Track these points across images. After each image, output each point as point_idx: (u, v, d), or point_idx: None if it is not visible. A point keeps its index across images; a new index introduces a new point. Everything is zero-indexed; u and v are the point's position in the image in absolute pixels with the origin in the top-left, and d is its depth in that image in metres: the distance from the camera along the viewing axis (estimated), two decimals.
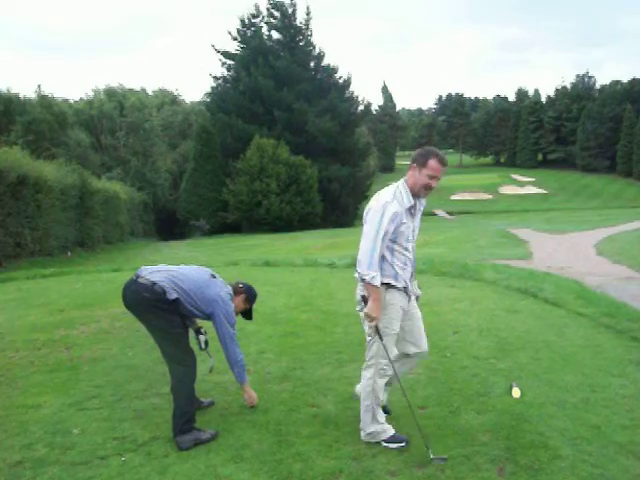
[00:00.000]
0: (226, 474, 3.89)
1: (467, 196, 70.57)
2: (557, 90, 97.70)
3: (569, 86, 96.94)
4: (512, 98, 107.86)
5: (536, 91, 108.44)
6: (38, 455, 4.35)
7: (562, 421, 4.46)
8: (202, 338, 4.98)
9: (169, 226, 52.41)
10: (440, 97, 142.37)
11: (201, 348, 4.96)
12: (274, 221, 44.45)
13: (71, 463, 4.19)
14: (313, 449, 4.14)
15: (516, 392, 4.96)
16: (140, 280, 4.54)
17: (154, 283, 4.48)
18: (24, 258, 23.66)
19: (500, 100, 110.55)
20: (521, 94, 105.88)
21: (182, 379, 4.54)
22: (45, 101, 51.17)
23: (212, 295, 4.66)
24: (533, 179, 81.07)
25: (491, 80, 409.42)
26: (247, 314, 5.14)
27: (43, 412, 5.06)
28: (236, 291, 5.00)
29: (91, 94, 63.41)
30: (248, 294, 5.06)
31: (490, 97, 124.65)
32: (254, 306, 5.18)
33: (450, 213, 58.53)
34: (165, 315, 4.49)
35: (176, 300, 4.50)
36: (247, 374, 4.93)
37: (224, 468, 3.97)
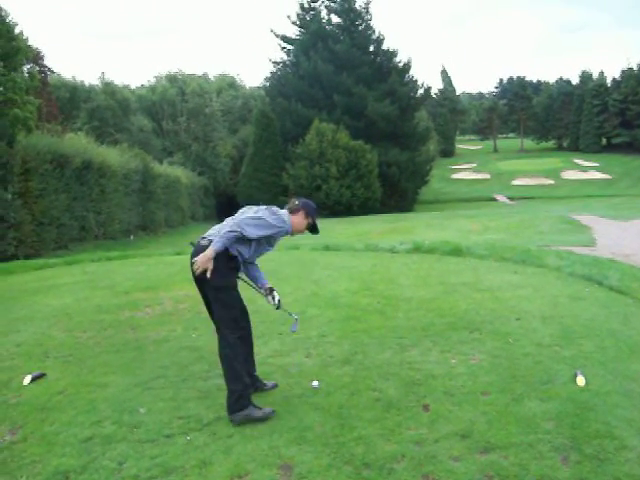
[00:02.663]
0: (289, 455, 3.93)
1: (528, 181, 69.26)
2: (623, 72, 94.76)
3: (635, 67, 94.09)
4: (576, 81, 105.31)
5: (601, 73, 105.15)
6: (106, 432, 4.47)
7: (629, 411, 4.37)
8: (276, 296, 5.06)
9: (229, 210, 52.17)
10: (501, 80, 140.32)
11: (278, 307, 5.07)
12: (334, 206, 44.45)
13: (138, 441, 4.30)
14: (375, 433, 4.16)
15: (581, 380, 4.87)
16: (202, 242, 4.64)
17: (211, 241, 4.55)
18: (89, 241, 24.24)
19: (563, 83, 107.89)
20: (585, 77, 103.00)
21: (225, 352, 4.64)
22: (109, 88, 51.99)
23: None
24: (597, 164, 79.08)
25: (554, 62, 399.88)
26: (313, 229, 5.06)
27: (110, 391, 5.20)
28: (292, 210, 4.91)
29: (153, 80, 64.16)
30: (306, 209, 4.95)
31: (553, 80, 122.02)
32: (318, 222, 5.12)
33: (511, 198, 57.61)
34: (224, 272, 4.57)
35: (235, 258, 4.64)
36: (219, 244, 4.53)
37: (287, 449, 4.01)
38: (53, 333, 7.45)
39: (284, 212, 4.83)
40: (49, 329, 7.69)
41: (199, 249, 4.59)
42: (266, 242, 4.81)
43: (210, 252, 4.45)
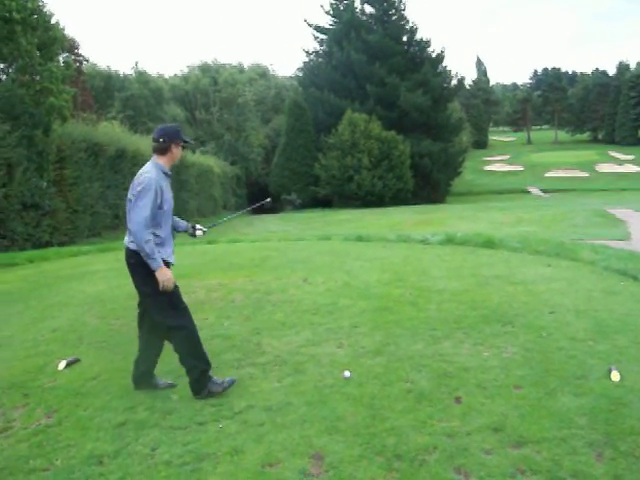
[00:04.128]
0: (320, 445, 3.94)
1: (562, 173, 68.38)
2: None
3: None
4: (613, 72, 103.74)
5: (638, 64, 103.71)
6: (139, 418, 4.54)
7: None
8: (201, 227, 5.31)
9: (261, 200, 52.98)
10: (535, 71, 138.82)
11: (204, 232, 5.29)
12: (365, 196, 44.36)
13: (170, 427, 4.35)
14: (407, 424, 4.15)
15: (615, 375, 4.81)
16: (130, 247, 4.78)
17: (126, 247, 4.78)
18: (122, 229, 24.38)
19: (599, 74, 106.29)
20: (622, 68, 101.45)
21: (179, 335, 4.87)
22: (142, 77, 52.41)
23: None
24: (632, 157, 77.73)
25: (590, 53, 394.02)
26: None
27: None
28: (159, 150, 4.85)
29: (186, 70, 64.45)
30: (172, 138, 4.86)
31: (589, 71, 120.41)
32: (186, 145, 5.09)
33: (544, 191, 56.97)
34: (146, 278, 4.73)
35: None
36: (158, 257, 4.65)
37: (318, 439, 4.02)
38: (87, 319, 7.55)
39: (146, 168, 4.79)
40: (83, 315, 7.80)
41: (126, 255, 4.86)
42: (161, 207, 4.74)
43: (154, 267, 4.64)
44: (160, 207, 4.69)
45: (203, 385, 4.82)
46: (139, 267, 4.70)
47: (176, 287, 4.80)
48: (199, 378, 4.83)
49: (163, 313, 4.80)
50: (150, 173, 4.66)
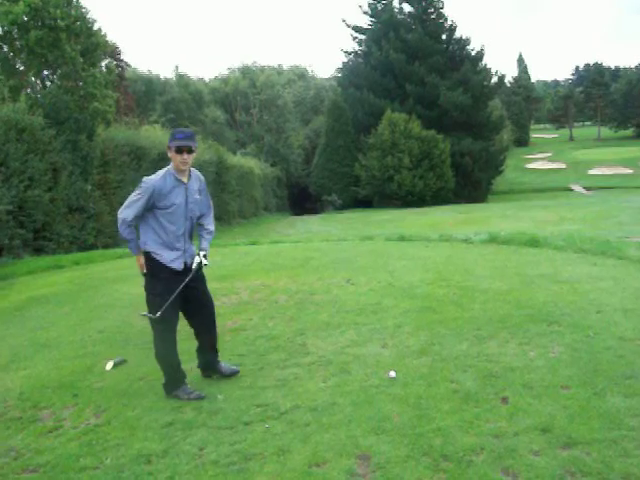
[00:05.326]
0: (367, 445, 3.94)
1: (605, 171, 67.19)
2: None
3: None
4: None
5: None
6: (187, 418, 4.59)
7: None
8: (199, 256, 5.19)
9: (301, 201, 53.25)
10: (577, 67, 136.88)
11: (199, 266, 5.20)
12: (406, 196, 44.26)
13: (217, 427, 4.39)
14: (453, 424, 4.12)
15: None
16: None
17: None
18: None
19: None
20: None
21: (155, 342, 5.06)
22: (182, 81, 53.02)
23: None
24: None
25: (632, 47, 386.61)
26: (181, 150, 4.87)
27: (189, 378, 5.27)
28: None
29: (226, 72, 64.96)
30: (169, 144, 4.91)
31: (632, 65, 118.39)
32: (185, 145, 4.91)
33: (587, 188, 56.10)
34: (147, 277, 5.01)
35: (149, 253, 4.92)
36: (134, 249, 5.01)
37: (365, 439, 4.02)
38: (133, 320, 7.65)
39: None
40: (129, 317, 7.91)
41: None
42: (164, 208, 4.86)
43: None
44: (156, 207, 4.84)
45: (173, 387, 5.07)
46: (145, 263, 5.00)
47: (163, 297, 4.87)
48: (168, 381, 5.10)
49: (148, 307, 5.00)
50: (153, 175, 4.89)
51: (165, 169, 4.92)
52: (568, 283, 8.07)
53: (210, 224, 5.37)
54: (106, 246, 20.19)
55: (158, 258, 4.88)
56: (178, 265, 4.97)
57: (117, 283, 10.47)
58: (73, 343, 6.96)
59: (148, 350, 6.37)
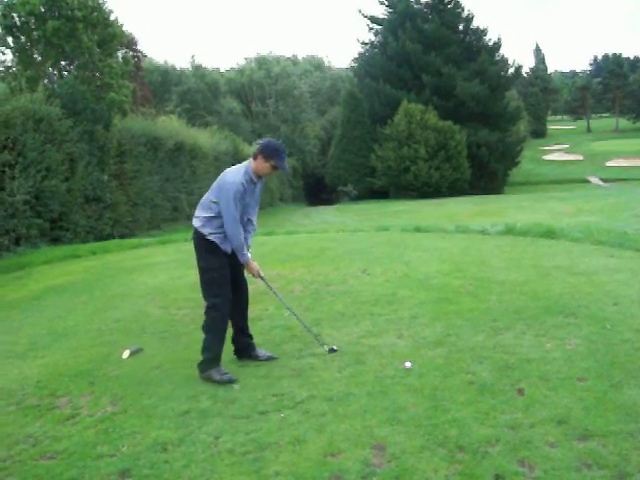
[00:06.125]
0: (382, 435, 3.95)
1: (623, 162, 66.48)
2: None
3: None
4: None
5: None
6: (203, 407, 4.62)
7: None
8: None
9: (317, 191, 53.21)
10: (595, 58, 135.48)
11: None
12: (422, 187, 44.06)
13: (233, 416, 4.42)
14: (469, 416, 4.12)
15: None
16: (195, 224, 5.33)
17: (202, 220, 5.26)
18: (181, 221, 24.83)
19: None
20: None
21: (213, 316, 5.22)
22: (199, 71, 52.97)
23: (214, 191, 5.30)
24: None
25: None
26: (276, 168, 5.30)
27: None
28: (254, 155, 5.26)
29: (242, 62, 64.85)
30: (264, 153, 5.18)
31: None
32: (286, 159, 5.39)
33: (604, 180, 55.62)
34: (204, 255, 5.27)
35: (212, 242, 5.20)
36: (247, 252, 5.41)
37: (380, 430, 4.03)
38: (149, 310, 7.70)
39: (236, 168, 5.34)
40: (145, 306, 7.96)
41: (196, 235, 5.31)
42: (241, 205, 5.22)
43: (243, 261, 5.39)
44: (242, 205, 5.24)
45: (208, 367, 5.12)
46: (198, 243, 5.30)
47: (223, 274, 5.25)
48: (209, 360, 5.15)
49: (207, 289, 5.25)
50: (240, 177, 5.19)
51: (245, 169, 5.25)
52: (585, 275, 8.02)
53: (255, 219, 5.72)
54: (122, 236, 20.33)
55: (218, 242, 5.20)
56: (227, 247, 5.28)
57: (133, 273, 10.52)
58: (90, 332, 7.02)
59: (164, 339, 6.45)
